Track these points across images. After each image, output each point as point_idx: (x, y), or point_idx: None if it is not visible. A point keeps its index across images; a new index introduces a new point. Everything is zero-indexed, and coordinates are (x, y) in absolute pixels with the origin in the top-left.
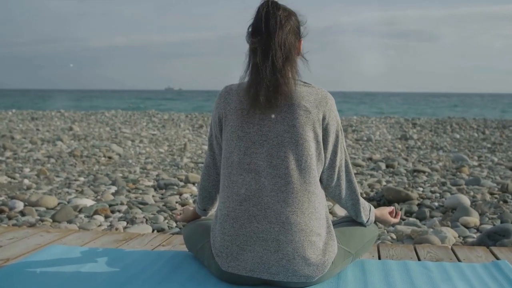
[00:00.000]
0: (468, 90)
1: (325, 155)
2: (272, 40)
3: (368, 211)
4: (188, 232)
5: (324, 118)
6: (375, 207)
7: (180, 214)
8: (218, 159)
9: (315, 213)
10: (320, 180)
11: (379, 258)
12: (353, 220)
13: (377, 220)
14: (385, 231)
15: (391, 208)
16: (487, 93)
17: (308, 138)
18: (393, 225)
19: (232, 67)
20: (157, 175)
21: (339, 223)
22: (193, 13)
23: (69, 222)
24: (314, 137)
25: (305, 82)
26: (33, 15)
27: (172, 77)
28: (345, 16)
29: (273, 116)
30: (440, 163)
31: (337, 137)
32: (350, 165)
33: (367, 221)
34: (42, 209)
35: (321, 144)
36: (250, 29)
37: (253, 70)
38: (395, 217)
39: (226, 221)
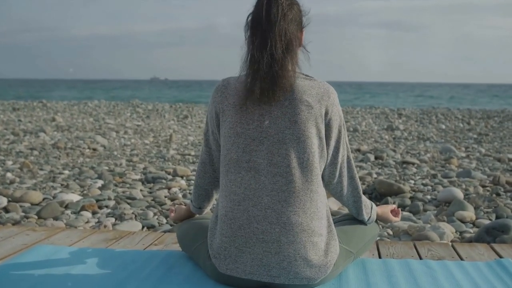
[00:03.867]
0: (451, 81)
1: (327, 151)
2: (273, 29)
3: (369, 209)
4: (182, 232)
5: (326, 113)
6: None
7: (174, 211)
8: (215, 156)
9: (317, 212)
10: (322, 177)
11: (380, 257)
12: (353, 218)
13: (378, 219)
14: (381, 226)
15: (393, 206)
16: (472, 83)
17: (310, 134)
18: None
19: (217, 57)
20: (144, 168)
21: (339, 221)
22: (176, 2)
23: (55, 219)
24: (316, 133)
25: (306, 75)
26: (13, 3)
27: (158, 67)
28: (330, 5)
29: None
30: (428, 155)
31: (339, 132)
32: (352, 161)
33: (368, 219)
34: (27, 205)
35: (324, 140)
36: (249, 18)
37: (251, 61)
38: (395, 215)
39: (224, 222)
